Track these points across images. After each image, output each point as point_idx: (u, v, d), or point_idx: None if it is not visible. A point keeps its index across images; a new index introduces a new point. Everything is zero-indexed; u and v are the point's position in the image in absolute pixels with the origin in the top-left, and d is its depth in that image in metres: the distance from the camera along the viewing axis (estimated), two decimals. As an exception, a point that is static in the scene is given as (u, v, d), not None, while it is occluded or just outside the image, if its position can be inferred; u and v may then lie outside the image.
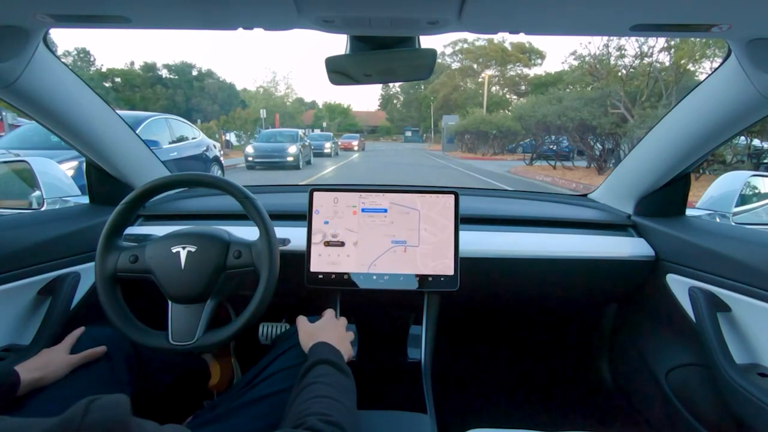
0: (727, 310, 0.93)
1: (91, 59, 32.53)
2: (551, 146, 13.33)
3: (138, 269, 0.86)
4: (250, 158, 12.04)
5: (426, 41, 0.76)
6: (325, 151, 18.87)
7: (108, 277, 0.86)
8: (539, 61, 38.60)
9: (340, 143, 23.98)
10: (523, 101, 19.63)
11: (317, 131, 30.95)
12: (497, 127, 18.35)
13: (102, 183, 1.20)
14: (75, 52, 31.05)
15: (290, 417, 0.59)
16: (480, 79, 37.58)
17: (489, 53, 36.80)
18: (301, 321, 0.86)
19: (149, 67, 33.99)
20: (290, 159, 11.99)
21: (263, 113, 25.51)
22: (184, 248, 0.85)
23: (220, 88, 35.28)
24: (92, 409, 0.38)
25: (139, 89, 31.27)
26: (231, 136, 22.46)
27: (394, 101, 54.53)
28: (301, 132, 14.46)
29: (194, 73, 35.53)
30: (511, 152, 19.80)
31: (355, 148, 25.81)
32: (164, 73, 34.87)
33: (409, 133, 45.82)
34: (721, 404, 0.91)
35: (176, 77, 34.47)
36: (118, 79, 31.18)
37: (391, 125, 53.85)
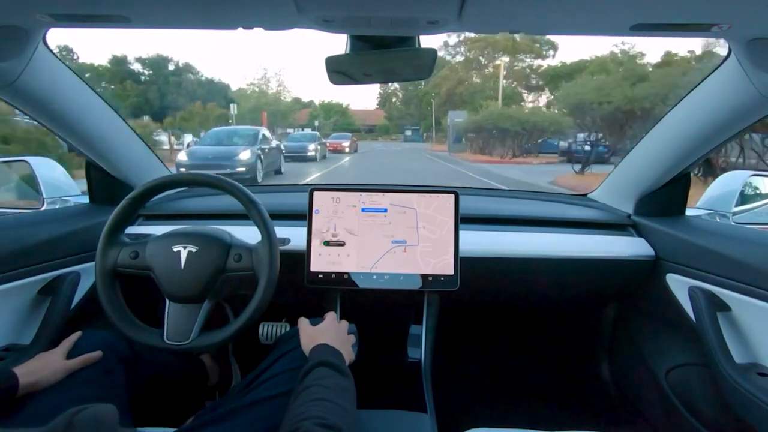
0: (727, 310, 0.93)
1: (74, 57, 29.48)
2: (586, 145, 10.69)
3: (138, 265, 0.86)
4: (182, 168, 8.52)
5: (426, 41, 0.76)
6: (309, 154, 15.47)
7: (108, 271, 0.86)
8: (551, 52, 35.94)
9: (327, 144, 19.84)
10: (570, 84, 13.10)
11: (307, 130, 26.22)
12: (521, 123, 15.24)
13: (102, 183, 1.20)
14: (57, 50, 29.08)
15: (287, 421, 0.59)
16: (488, 71, 35.78)
17: (497, 42, 33.77)
18: (303, 323, 0.85)
19: (119, 61, 30.53)
20: (241, 169, 8.66)
21: (234, 109, 21.32)
22: (185, 248, 0.85)
23: (200, 84, 32.49)
24: (76, 422, 0.37)
25: (108, 85, 27.99)
26: (187, 138, 18.44)
27: (393, 99, 52.78)
28: (263, 131, 10.90)
29: (171, 67, 32.48)
30: (527, 153, 16.62)
31: (346, 149, 22.05)
32: (137, 67, 31.44)
33: (408, 132, 43.40)
34: (721, 404, 0.91)
35: (150, 72, 31.46)
36: (88, 75, 27.52)
37: (389, 124, 50.25)
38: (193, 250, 0.85)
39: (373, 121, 52.17)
